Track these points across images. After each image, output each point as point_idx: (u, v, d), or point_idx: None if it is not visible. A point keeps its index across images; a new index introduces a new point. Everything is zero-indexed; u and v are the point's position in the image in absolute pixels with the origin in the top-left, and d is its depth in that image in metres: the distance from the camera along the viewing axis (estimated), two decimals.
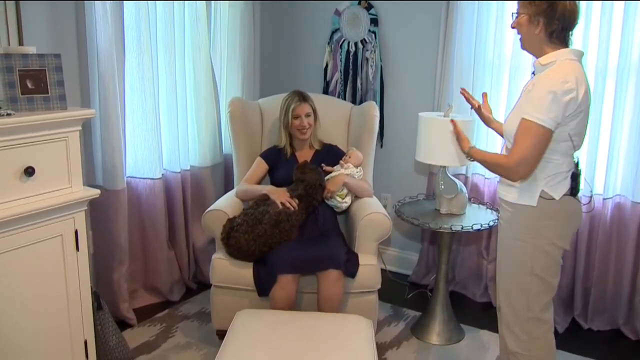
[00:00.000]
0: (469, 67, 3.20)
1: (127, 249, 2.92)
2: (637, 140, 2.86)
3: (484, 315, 3.23)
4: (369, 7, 3.52)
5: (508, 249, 2.04)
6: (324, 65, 3.67)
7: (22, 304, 2.06)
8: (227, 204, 2.82)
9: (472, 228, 2.72)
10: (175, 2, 3.06)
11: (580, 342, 2.96)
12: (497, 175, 3.11)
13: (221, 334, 2.74)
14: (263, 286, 2.57)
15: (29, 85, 2.06)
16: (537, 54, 1.98)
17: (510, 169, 1.89)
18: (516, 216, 1.99)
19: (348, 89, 3.62)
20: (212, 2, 3.29)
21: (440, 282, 2.97)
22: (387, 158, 3.57)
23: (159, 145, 3.03)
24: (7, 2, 2.32)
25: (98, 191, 2.28)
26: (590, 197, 2.85)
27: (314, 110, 2.95)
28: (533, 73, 2.02)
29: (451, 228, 2.72)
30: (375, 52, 3.50)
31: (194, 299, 3.29)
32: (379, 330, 2.99)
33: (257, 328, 2.27)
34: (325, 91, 3.69)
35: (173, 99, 3.10)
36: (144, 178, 3.02)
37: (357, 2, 3.56)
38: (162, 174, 3.07)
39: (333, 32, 3.64)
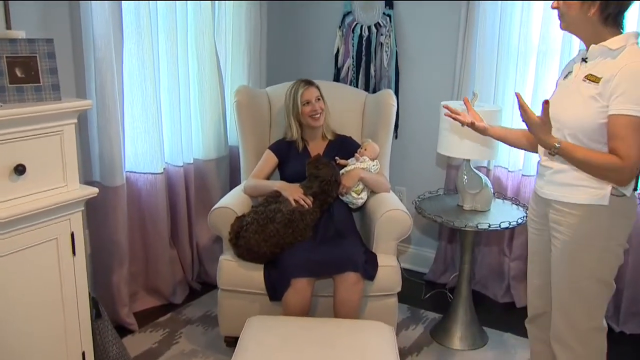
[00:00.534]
0: (492, 52, 3.04)
1: (126, 250, 2.79)
2: None
3: (506, 316, 3.10)
4: None
5: (568, 255, 1.91)
6: (335, 51, 3.54)
7: (13, 314, 1.93)
8: (235, 201, 2.69)
9: (499, 226, 2.57)
10: None
11: (610, 346, 2.81)
12: (519, 168, 3.05)
13: (229, 341, 2.66)
14: (275, 290, 2.44)
15: (18, 73, 1.90)
16: (587, 37, 1.85)
17: (625, 171, 1.74)
18: (586, 219, 1.86)
19: (361, 76, 3.48)
20: None
21: (463, 283, 2.83)
22: (401, 149, 3.43)
23: (160, 137, 2.89)
24: None
25: (96, 190, 2.13)
26: None
27: (322, 96, 2.82)
28: (584, 60, 1.87)
29: (477, 226, 2.58)
30: (390, 36, 3.35)
31: (199, 302, 3.16)
32: (397, 334, 2.82)
33: (271, 336, 2.14)
34: (337, 78, 3.56)
35: (175, 88, 2.96)
36: (144, 173, 2.89)
37: None
38: (164, 169, 2.95)
39: (345, 16, 3.50)
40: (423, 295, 3.29)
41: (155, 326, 2.89)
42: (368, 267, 2.47)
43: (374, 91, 3.41)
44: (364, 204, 2.80)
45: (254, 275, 2.48)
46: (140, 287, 3.02)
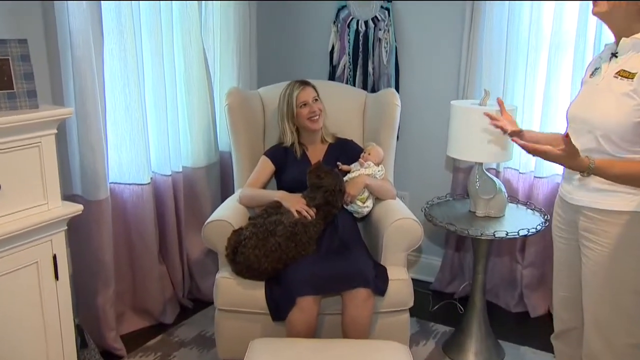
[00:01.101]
0: (501, 46, 2.93)
1: (112, 268, 2.64)
2: None
3: (521, 327, 2.99)
4: None
5: (604, 267, 1.80)
6: (330, 48, 3.42)
7: None
8: (230, 213, 2.55)
9: (518, 234, 2.46)
10: None
11: None
12: (531, 169, 2.95)
13: None
14: (278, 309, 2.31)
15: None
16: (619, 29, 1.75)
17: None
18: (623, 227, 1.75)
19: (358, 74, 3.36)
20: None
21: (477, 294, 2.71)
22: (403, 152, 3.32)
23: (146, 144, 2.76)
24: None
25: (80, 207, 1.99)
26: None
27: (319, 97, 2.71)
28: (614, 55, 1.76)
29: (494, 235, 2.46)
30: (389, 31, 3.23)
31: (191, 321, 3.01)
32: None
33: None
34: (332, 77, 3.44)
35: (161, 90, 2.82)
36: (129, 184, 2.75)
37: None
38: (151, 178, 2.81)
39: (339, 10, 3.37)
40: (431, 306, 3.18)
41: (145, 350, 2.73)
42: (378, 282, 2.35)
43: (373, 90, 3.30)
44: (369, 212, 2.67)
45: (255, 294, 2.35)
46: (128, 307, 2.87)
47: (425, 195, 3.15)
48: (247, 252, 2.31)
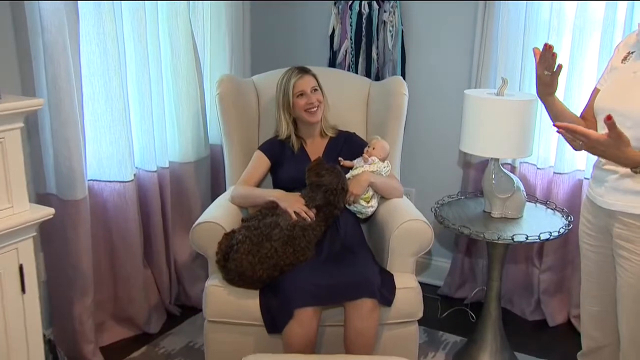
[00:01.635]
0: (519, 30, 2.78)
1: (91, 276, 2.51)
2: None
3: (538, 337, 2.86)
4: None
5: None
6: (330, 32, 3.27)
7: None
8: (221, 213, 2.43)
9: (539, 238, 2.32)
10: None
11: None
12: (550, 164, 2.82)
13: None
14: (274, 321, 2.19)
15: None
16: None
17: None
18: None
19: (360, 60, 3.23)
20: None
21: (491, 302, 2.57)
22: (409, 145, 3.20)
23: (129, 138, 2.64)
24: None
25: (51, 211, 1.82)
26: None
27: (320, 86, 2.59)
28: None
29: (513, 239, 2.31)
30: (394, 13, 3.08)
31: (178, 330, 2.88)
32: None
33: None
34: (332, 63, 3.30)
35: (145, 78, 2.69)
36: (110, 181, 2.63)
37: None
38: (134, 175, 2.70)
39: None
40: (440, 313, 3.05)
41: None
42: (385, 291, 2.23)
43: (377, 77, 3.18)
44: (373, 213, 2.54)
45: (248, 304, 2.22)
46: (108, 316, 2.75)
47: (433, 193, 3.05)
48: (240, 258, 2.18)
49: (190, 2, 2.89)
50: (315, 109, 2.53)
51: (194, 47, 2.88)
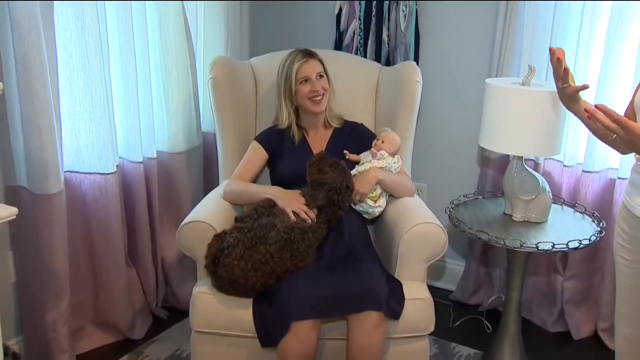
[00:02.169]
0: (547, 13, 2.62)
1: (66, 277, 2.38)
2: None
3: (561, 352, 2.73)
4: None
5: None
6: (337, 11, 3.16)
7: None
8: (212, 211, 2.33)
9: (567, 246, 2.16)
10: None
11: None
12: (579, 162, 2.68)
13: None
14: (269, 334, 2.08)
15: None
16: None
17: None
18: None
19: (370, 43, 3.12)
20: None
21: (510, 314, 2.43)
22: (421, 137, 3.09)
23: (111, 125, 2.53)
24: None
25: (14, 210, 1.70)
26: None
27: (326, 72, 2.48)
28: None
29: (537, 247, 2.16)
30: None
31: (165, 336, 2.76)
32: None
33: None
34: (339, 46, 3.20)
35: (130, 59, 2.58)
36: (90, 173, 2.51)
37: None
38: (117, 166, 2.59)
39: None
40: (452, 321, 2.92)
41: None
42: (392, 302, 2.11)
43: (388, 62, 3.06)
44: (381, 213, 2.43)
45: (241, 314, 2.11)
46: (88, 320, 2.64)
47: (446, 190, 2.97)
48: (231, 263, 2.06)
49: None
50: (320, 97, 2.41)
51: (186, 25, 2.77)
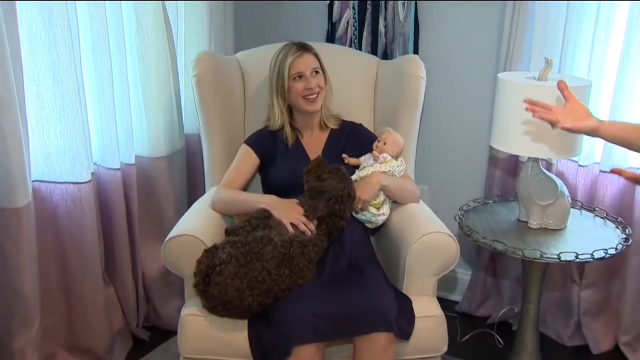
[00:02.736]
0: (559, 5, 2.55)
1: (36, 300, 2.28)
2: None
3: None
4: None
5: None
6: (328, 0, 3.10)
7: None
8: (200, 224, 2.26)
9: (592, 257, 2.08)
10: None
11: None
12: (596, 161, 2.61)
13: None
14: (267, 359, 1.99)
15: None
16: None
17: None
18: None
19: (365, 34, 3.05)
20: None
21: (527, 330, 2.36)
22: (421, 135, 3.01)
23: (85, 128, 2.43)
24: None
25: None
26: None
27: (323, 68, 2.41)
28: None
29: (559, 258, 2.08)
30: None
31: (148, 359, 2.67)
32: None
33: None
34: (331, 38, 3.13)
35: (104, 55, 2.48)
36: (61, 183, 2.41)
37: None
38: (92, 174, 2.50)
39: None
40: (459, 335, 2.83)
41: None
42: (402, 321, 2.03)
43: (385, 55, 3.00)
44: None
45: (235, 337, 2.04)
46: (60, 345, 2.53)
47: (449, 192, 2.95)
48: (224, 282, 1.97)
49: None
50: (314, 95, 2.34)
51: (165, 17, 2.68)
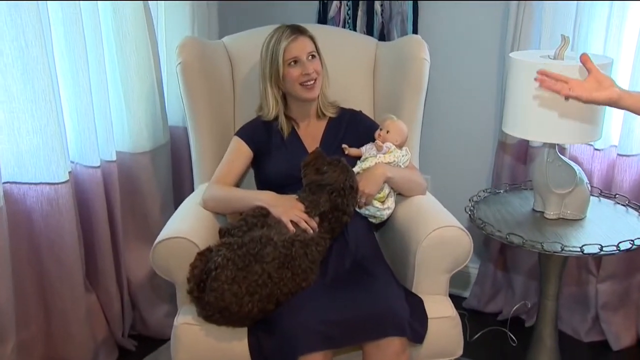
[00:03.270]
0: None
1: (12, 313, 2.21)
2: None
3: None
4: None
5: None
6: None
7: None
8: (191, 224, 2.22)
9: (618, 248, 2.03)
10: None
11: None
12: (613, 144, 2.58)
13: None
14: None
15: None
16: None
17: None
18: None
19: (360, 13, 3.02)
20: None
21: (545, 327, 2.31)
22: (424, 122, 2.96)
23: (60, 124, 2.36)
24: None
25: None
26: None
27: (319, 52, 2.36)
28: None
29: (582, 251, 2.02)
30: None
31: None
32: None
33: None
34: (322, 19, 3.08)
35: (79, 44, 2.42)
36: (35, 184, 2.36)
37: None
38: (70, 173, 2.44)
39: None
40: (469, 334, 2.77)
41: None
42: (414, 323, 1.98)
43: (382, 36, 2.96)
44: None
45: (234, 347, 1.99)
46: (38, 359, 2.48)
47: (453, 180, 2.93)
48: (221, 287, 1.92)
49: None
50: (312, 82, 2.29)
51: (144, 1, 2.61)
